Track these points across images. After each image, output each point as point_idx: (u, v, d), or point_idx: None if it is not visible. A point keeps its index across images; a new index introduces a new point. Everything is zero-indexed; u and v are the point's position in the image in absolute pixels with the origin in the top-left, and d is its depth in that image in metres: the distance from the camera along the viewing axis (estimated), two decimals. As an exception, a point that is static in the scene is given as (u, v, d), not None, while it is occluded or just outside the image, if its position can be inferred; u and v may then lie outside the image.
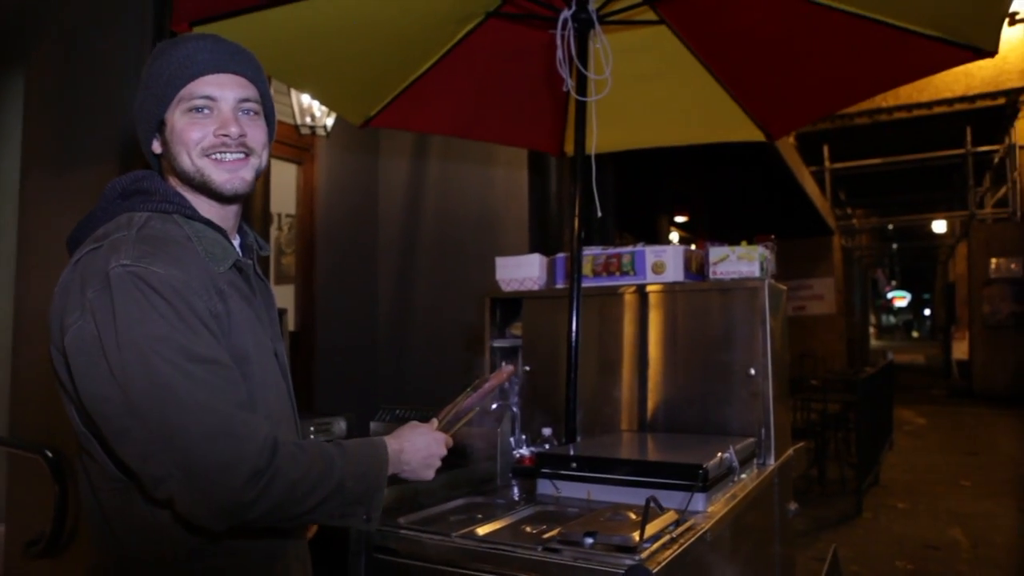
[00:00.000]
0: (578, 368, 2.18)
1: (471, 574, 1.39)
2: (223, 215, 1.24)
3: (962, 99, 12.49)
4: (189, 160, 1.18)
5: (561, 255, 2.53)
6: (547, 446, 2.17)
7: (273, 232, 4.52)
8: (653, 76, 2.71)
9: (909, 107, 12.85)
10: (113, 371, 1.01)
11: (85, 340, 1.04)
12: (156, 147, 1.22)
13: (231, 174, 1.19)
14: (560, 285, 2.50)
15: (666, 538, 1.37)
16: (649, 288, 2.31)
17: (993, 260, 12.96)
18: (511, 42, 2.53)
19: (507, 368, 1.60)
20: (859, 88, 2.66)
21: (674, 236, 12.10)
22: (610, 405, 2.33)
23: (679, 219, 12.64)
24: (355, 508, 1.14)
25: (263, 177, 1.50)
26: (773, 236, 2.36)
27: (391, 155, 4.91)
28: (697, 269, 2.37)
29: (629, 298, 2.35)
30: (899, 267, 35.07)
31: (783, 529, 2.21)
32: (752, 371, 2.12)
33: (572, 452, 1.85)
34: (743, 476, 1.89)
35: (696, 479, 1.58)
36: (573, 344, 2.18)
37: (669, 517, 1.42)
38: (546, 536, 1.43)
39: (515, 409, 2.40)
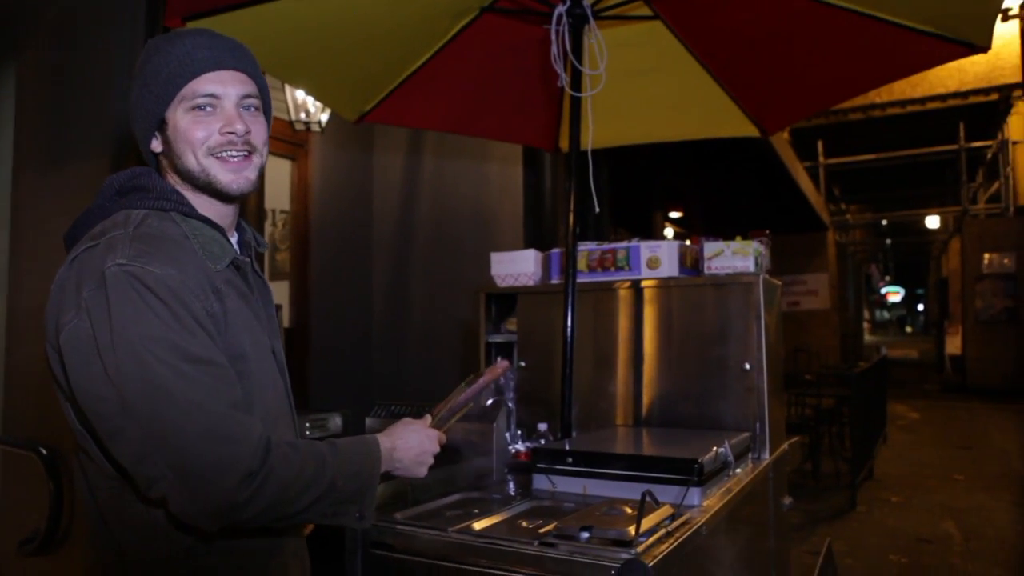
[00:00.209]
0: (573, 363, 2.18)
1: (467, 569, 1.40)
2: (222, 213, 1.23)
3: (955, 95, 12.53)
4: (195, 159, 1.17)
5: (556, 250, 2.53)
6: (542, 441, 2.17)
7: (267, 228, 4.52)
8: (648, 71, 2.70)
9: (903, 103, 12.89)
10: (108, 371, 1.01)
11: (80, 339, 1.03)
12: (156, 146, 1.21)
13: (236, 174, 1.19)
14: (555, 280, 2.50)
15: (662, 532, 1.37)
16: (644, 283, 2.32)
17: (986, 255, 13.00)
18: (505, 38, 2.53)
19: (502, 363, 1.60)
20: (853, 84, 2.66)
21: (669, 231, 12.11)
22: (605, 400, 2.33)
23: (674, 214, 12.65)
24: (347, 507, 1.15)
25: (258, 173, 1.49)
26: (768, 231, 2.37)
27: (385, 151, 4.90)
28: (692, 264, 2.37)
29: (624, 293, 2.35)
30: (893, 262, 35.22)
31: (778, 523, 2.22)
32: (747, 366, 2.12)
33: (568, 447, 1.86)
34: (738, 470, 1.89)
35: (691, 474, 1.59)
36: (568, 339, 2.18)
37: (665, 511, 1.43)
38: (542, 531, 1.43)
39: (510, 404, 2.40)
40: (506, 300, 2.57)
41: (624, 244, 2.39)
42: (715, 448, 1.74)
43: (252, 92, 1.22)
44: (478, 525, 1.52)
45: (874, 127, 13.46)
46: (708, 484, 1.65)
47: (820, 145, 14.50)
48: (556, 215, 4.31)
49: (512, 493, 1.87)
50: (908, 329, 49.27)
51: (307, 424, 2.77)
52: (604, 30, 2.29)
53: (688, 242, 2.42)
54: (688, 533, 1.41)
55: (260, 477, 1.01)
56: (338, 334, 4.59)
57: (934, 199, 17.71)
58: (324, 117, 4.28)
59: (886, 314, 51.47)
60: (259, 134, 1.22)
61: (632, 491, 1.56)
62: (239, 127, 1.18)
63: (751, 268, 2.21)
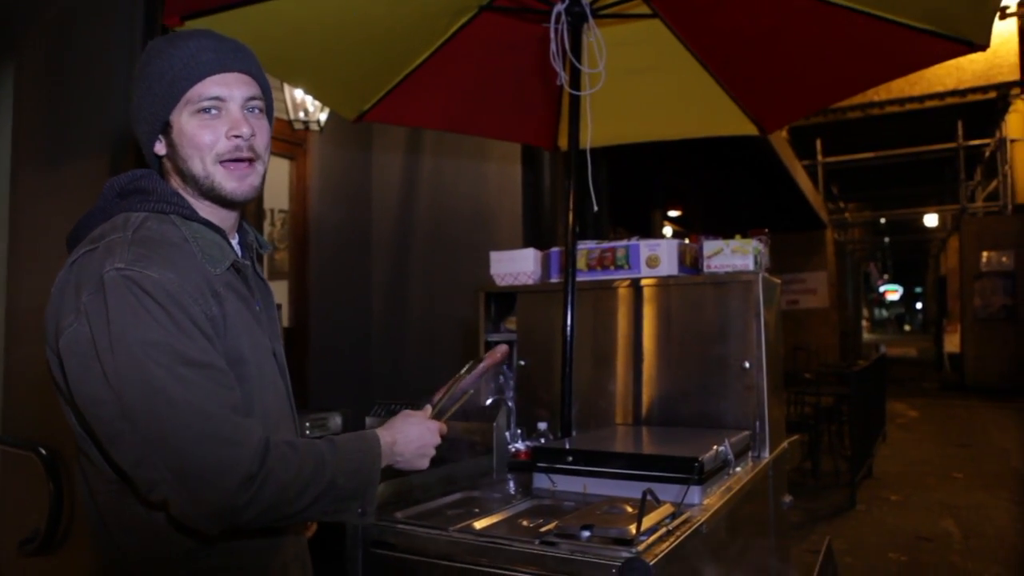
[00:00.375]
0: (573, 362, 2.18)
1: (468, 568, 1.40)
2: (223, 216, 1.23)
3: (953, 93, 12.53)
4: (202, 165, 1.17)
5: (555, 249, 2.53)
6: (543, 440, 2.17)
7: (266, 228, 4.51)
8: (646, 70, 2.70)
9: (901, 101, 12.89)
10: (107, 375, 1.01)
11: (79, 343, 1.03)
12: (160, 148, 1.20)
13: (240, 182, 1.19)
14: (554, 279, 2.50)
15: (662, 531, 1.37)
16: (643, 282, 2.32)
17: (984, 253, 13.01)
18: (504, 36, 2.53)
19: (501, 348, 1.59)
20: (852, 82, 2.66)
21: (668, 230, 12.11)
22: (605, 399, 2.33)
23: (673, 213, 12.64)
24: (349, 504, 1.15)
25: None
26: (767, 229, 2.37)
27: (384, 150, 4.90)
28: (691, 263, 2.37)
29: (623, 292, 2.35)
30: (891, 261, 35.24)
31: (778, 521, 2.22)
32: (746, 364, 2.12)
33: (568, 446, 1.86)
34: (738, 469, 1.89)
35: (692, 472, 1.59)
36: (568, 338, 2.18)
37: (665, 510, 1.43)
38: (543, 530, 1.43)
39: (510, 403, 2.40)
40: (506, 299, 2.57)
41: (623, 243, 2.39)
42: (715, 447, 1.74)
43: (256, 94, 1.22)
44: (479, 524, 1.52)
45: (872, 125, 13.46)
46: (708, 483, 1.65)
47: (819, 143, 14.50)
48: (555, 214, 4.31)
49: (512, 492, 1.87)
50: (907, 327, 49.30)
51: (307, 424, 2.76)
52: (603, 28, 2.29)
53: (687, 240, 2.42)
54: (688, 532, 1.41)
55: (259, 480, 1.01)
56: (337, 333, 4.59)
57: (932, 197, 17.72)
58: (323, 116, 4.28)
59: (885, 312, 51.51)
60: (263, 138, 1.22)
61: (632, 490, 1.56)
62: (245, 130, 1.17)
63: (750, 266, 2.21)
